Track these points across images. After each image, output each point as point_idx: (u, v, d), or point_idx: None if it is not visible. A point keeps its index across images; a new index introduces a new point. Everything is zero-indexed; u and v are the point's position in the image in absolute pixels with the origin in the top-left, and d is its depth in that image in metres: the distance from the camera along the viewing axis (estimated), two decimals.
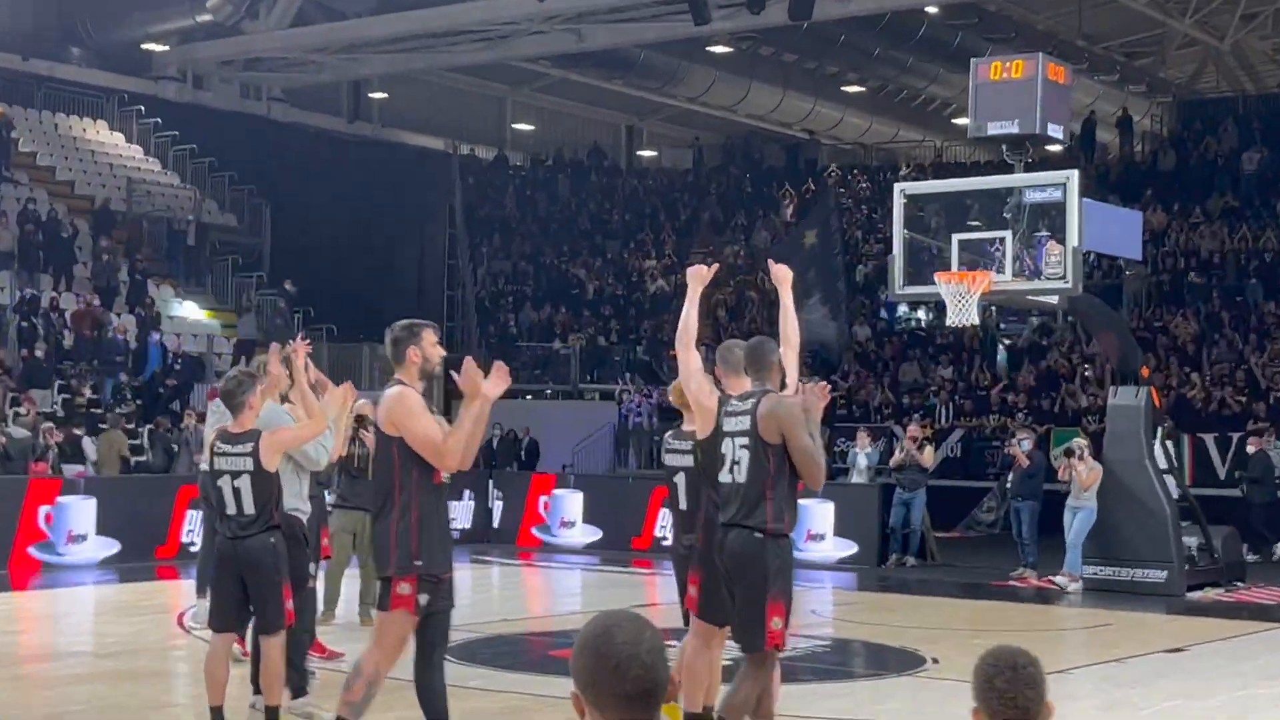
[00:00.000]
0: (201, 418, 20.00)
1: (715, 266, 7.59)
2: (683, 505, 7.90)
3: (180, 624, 13.08)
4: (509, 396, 30.79)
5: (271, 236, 34.17)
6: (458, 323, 36.89)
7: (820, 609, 15.47)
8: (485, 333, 35.12)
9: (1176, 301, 29.22)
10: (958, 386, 28.66)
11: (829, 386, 7.37)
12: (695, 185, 40.74)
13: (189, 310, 29.99)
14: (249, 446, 7.84)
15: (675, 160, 42.84)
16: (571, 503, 21.86)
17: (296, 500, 8.44)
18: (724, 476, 7.10)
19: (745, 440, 7.00)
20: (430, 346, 6.92)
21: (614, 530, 21.31)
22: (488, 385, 6.54)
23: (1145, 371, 17.31)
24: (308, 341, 8.99)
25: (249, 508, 7.83)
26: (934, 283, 15.01)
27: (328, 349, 31.81)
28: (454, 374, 6.91)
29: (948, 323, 15.11)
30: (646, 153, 45.09)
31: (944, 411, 27.77)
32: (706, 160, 41.86)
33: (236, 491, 7.83)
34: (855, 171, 39.53)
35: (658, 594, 16.42)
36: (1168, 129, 37.78)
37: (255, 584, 7.79)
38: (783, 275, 7.89)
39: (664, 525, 20.07)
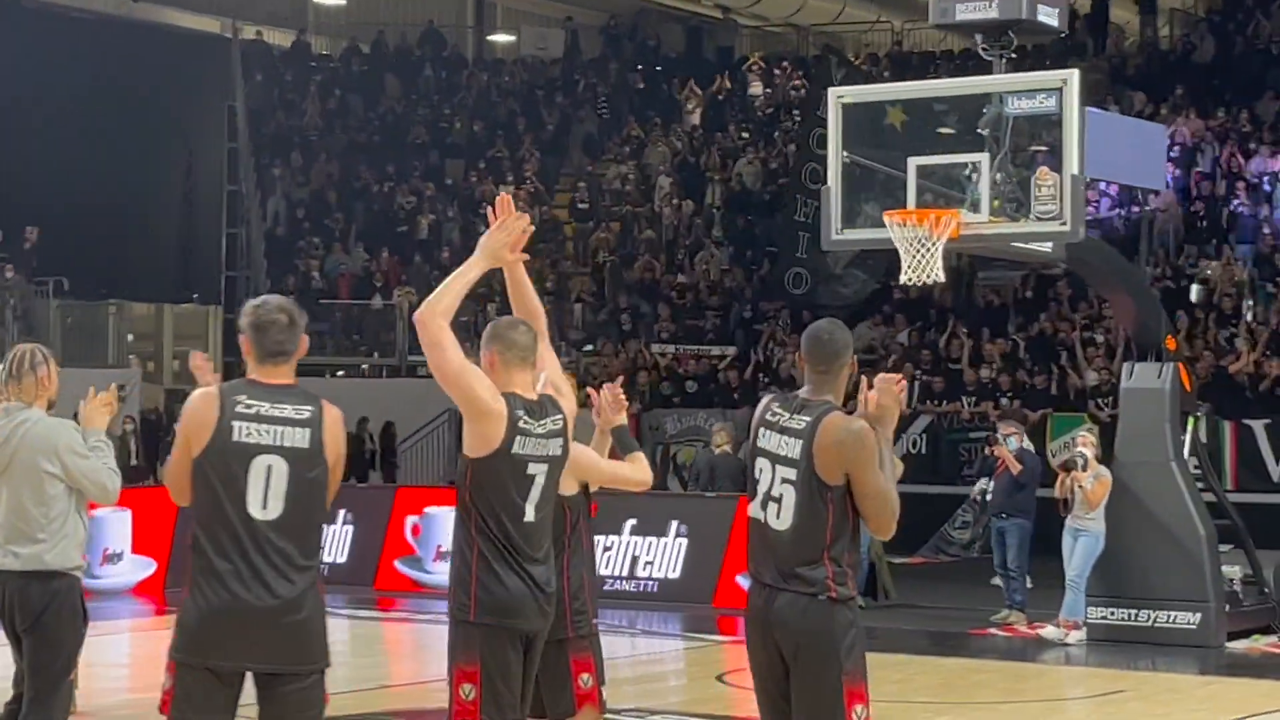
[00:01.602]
0: None
1: (526, 221, 7.23)
2: None
3: None
4: (310, 374, 30.41)
5: None
6: (240, 273, 36.40)
7: (729, 673, 15.27)
8: (279, 286, 34.61)
9: (1216, 241, 29.38)
10: (922, 357, 28.65)
11: (902, 378, 7.29)
12: (567, 82, 40.41)
13: None
14: None
15: (540, 47, 42.41)
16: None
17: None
18: (757, 511, 7.11)
19: (791, 473, 7.01)
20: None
21: None
22: None
23: (1171, 343, 17.29)
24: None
25: None
26: (883, 224, 14.81)
27: (56, 311, 31.23)
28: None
29: (902, 279, 14.94)
30: (501, 37, 44.66)
31: (904, 392, 27.71)
32: (583, 48, 41.51)
33: None
34: (784, 64, 39.37)
35: None
36: (1205, 6, 38.01)
37: None
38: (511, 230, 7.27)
39: None
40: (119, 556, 21.50)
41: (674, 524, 20.29)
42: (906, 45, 39.76)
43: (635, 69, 40.45)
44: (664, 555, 20.33)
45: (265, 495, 6.55)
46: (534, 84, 40.42)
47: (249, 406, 6.59)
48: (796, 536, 6.95)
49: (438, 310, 6.92)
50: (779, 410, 7.15)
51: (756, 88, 38.30)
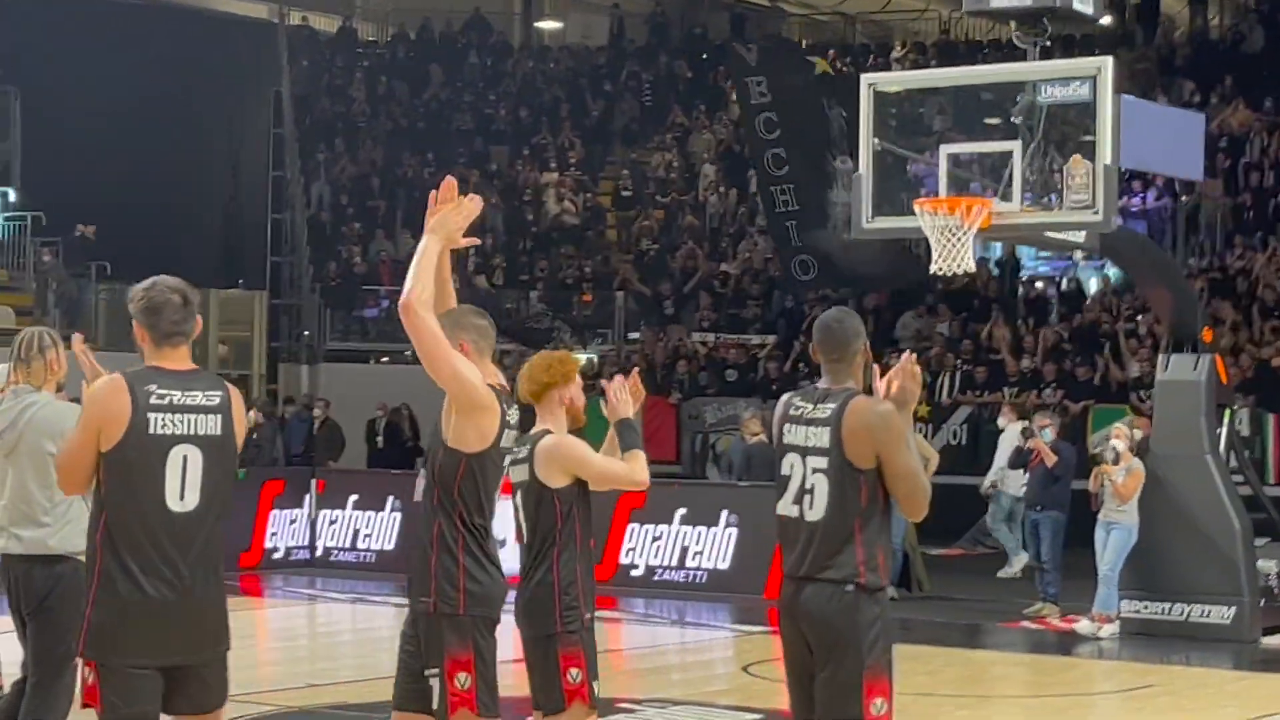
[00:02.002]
0: None
1: (474, 200, 7.09)
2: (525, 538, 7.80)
3: None
4: (353, 360, 30.53)
5: (22, 141, 33.48)
6: (285, 258, 36.45)
7: (756, 664, 15.19)
8: (321, 272, 34.66)
9: (1263, 232, 29.12)
10: (963, 348, 28.49)
11: (916, 356, 7.26)
12: (612, 70, 40.31)
13: None
14: None
15: (586, 35, 42.34)
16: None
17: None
18: (787, 509, 7.05)
19: (822, 462, 6.95)
20: None
21: None
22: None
23: (1208, 334, 17.15)
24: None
25: None
26: (913, 213, 14.71)
27: (99, 296, 31.31)
28: None
29: (933, 269, 14.81)
30: (548, 24, 44.61)
31: (945, 383, 27.60)
32: (629, 36, 41.41)
33: None
34: (832, 52, 39.19)
35: None
36: None
37: None
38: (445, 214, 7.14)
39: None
40: None
41: (724, 514, 20.10)
42: (955, 34, 39.48)
43: (681, 57, 40.30)
44: (714, 545, 20.16)
45: (182, 487, 6.42)
46: (579, 71, 40.34)
47: (162, 396, 6.43)
48: (829, 525, 6.90)
49: (423, 299, 6.75)
50: (801, 404, 7.08)
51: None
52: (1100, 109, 14.49)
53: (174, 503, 6.42)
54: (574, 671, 7.50)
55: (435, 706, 6.90)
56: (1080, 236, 15.57)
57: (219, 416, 6.54)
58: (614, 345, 32.66)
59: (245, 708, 11.64)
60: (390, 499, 22.28)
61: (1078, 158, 14.53)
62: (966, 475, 25.86)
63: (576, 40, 42.04)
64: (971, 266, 14.80)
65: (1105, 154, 14.43)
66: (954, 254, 14.65)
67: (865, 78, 15.64)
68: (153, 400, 6.40)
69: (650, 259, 34.31)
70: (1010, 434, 21.80)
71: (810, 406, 7.00)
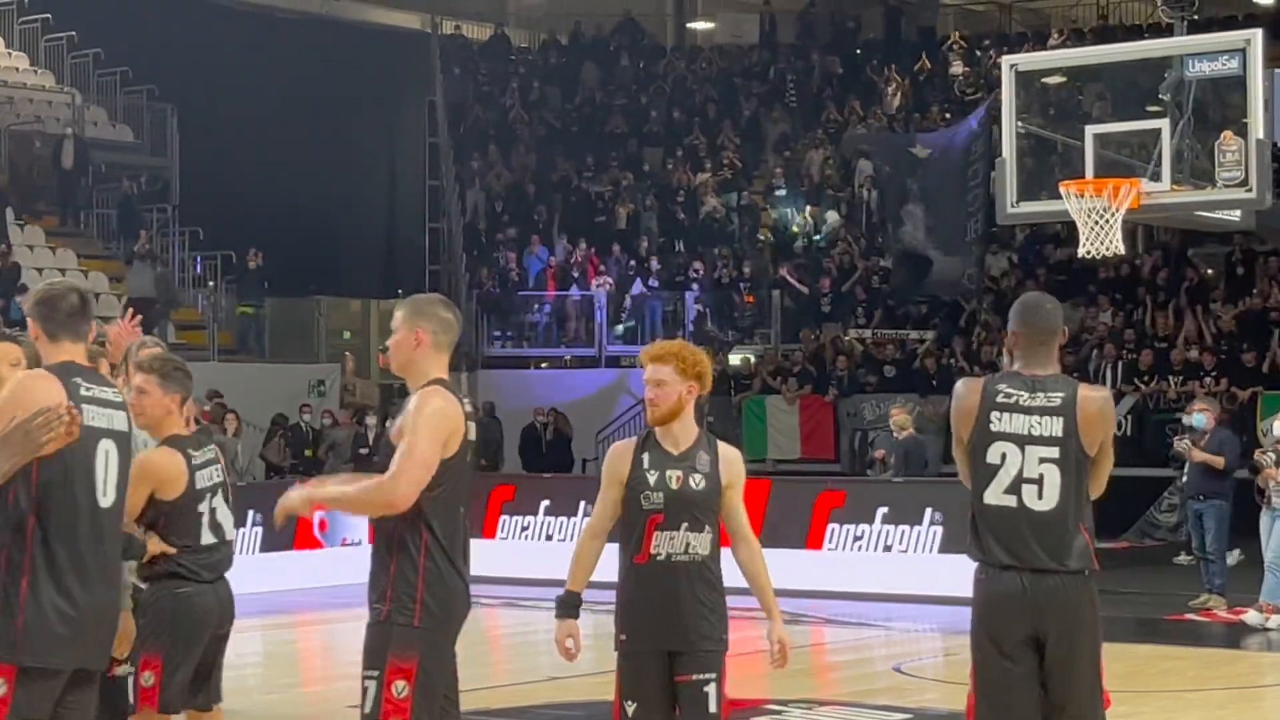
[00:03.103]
0: None
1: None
2: None
3: None
4: (511, 366, 30.68)
5: (181, 156, 33.87)
6: (442, 266, 36.59)
7: (907, 662, 14.91)
8: (476, 279, 34.71)
9: None
10: (1126, 336, 27.96)
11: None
12: (764, 68, 40.04)
13: (64, 259, 29.71)
14: None
15: (738, 34, 42.12)
16: None
17: None
18: (1004, 498, 6.95)
19: (1052, 451, 6.90)
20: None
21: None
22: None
23: None
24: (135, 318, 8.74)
25: None
26: (1060, 196, 14.38)
27: (266, 307, 31.59)
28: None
29: (1080, 252, 14.50)
30: (700, 25, 44.44)
31: (1108, 372, 27.07)
32: (780, 34, 41.11)
33: None
34: (987, 43, 38.67)
35: None
36: None
37: None
38: None
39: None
40: None
41: (929, 511, 19.64)
42: (1113, 19, 38.82)
43: (834, 53, 39.92)
44: (918, 543, 19.67)
45: (105, 483, 6.21)
46: (731, 71, 40.10)
47: (88, 389, 6.23)
48: (1063, 514, 6.86)
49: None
50: (1012, 390, 6.96)
51: (957, 67, 37.59)
52: (1250, 82, 14.10)
53: (101, 498, 6.21)
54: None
55: (367, 711, 6.60)
56: (1236, 215, 15.14)
57: (124, 413, 6.39)
58: (772, 345, 32.39)
59: None
60: (582, 504, 21.81)
61: (1229, 134, 14.18)
62: (1132, 467, 25.45)
63: (728, 40, 41.82)
64: (1121, 248, 14.48)
65: (1258, 129, 14.07)
66: (1102, 236, 14.31)
67: (1006, 59, 15.39)
68: (82, 392, 6.19)
69: (807, 257, 34.00)
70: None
71: (1025, 394, 6.92)
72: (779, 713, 12.18)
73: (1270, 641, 15.95)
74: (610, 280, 33.79)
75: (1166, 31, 33.88)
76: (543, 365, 34.45)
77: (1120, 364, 27.34)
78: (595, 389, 31.69)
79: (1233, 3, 37.03)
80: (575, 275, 34.25)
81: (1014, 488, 6.87)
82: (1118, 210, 14.22)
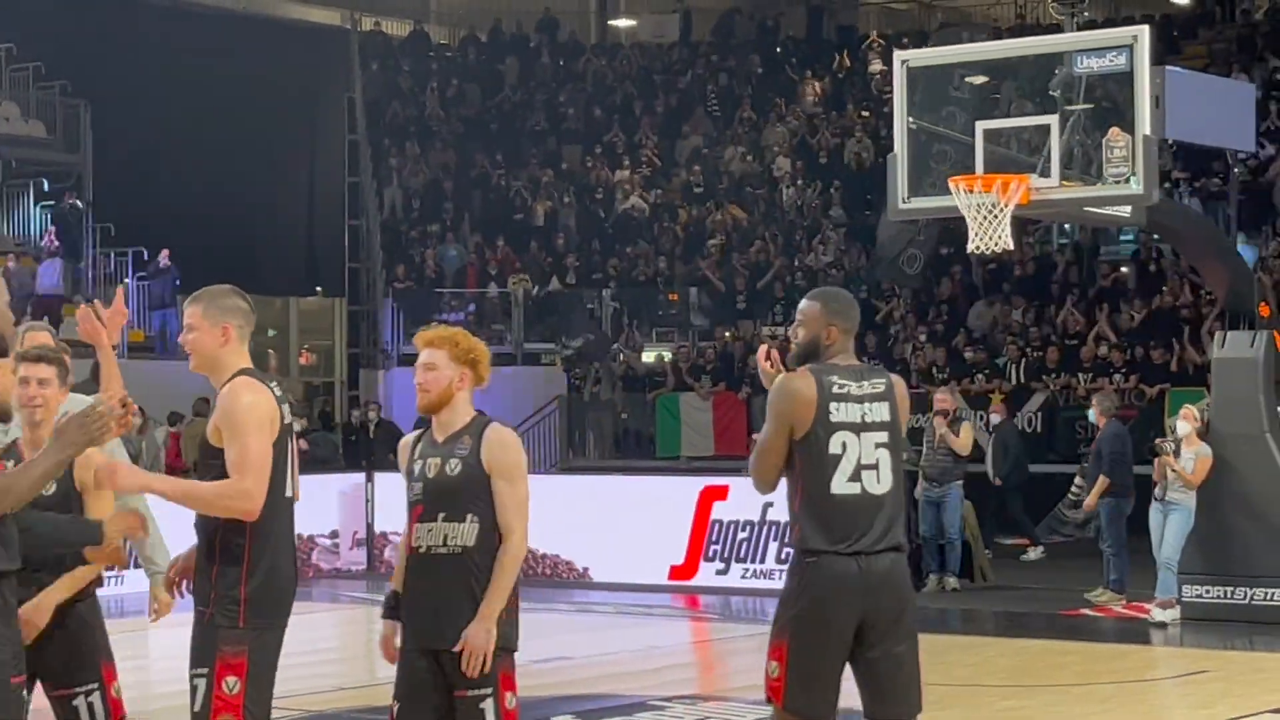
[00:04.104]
0: None
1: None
2: None
3: None
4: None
5: (94, 152, 33.57)
6: (361, 264, 36.40)
7: None
8: (392, 275, 34.61)
9: None
10: (1033, 334, 28.11)
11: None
12: (683, 65, 40.03)
13: None
14: None
15: (658, 32, 42.08)
16: None
17: None
18: (847, 487, 7.06)
19: (883, 436, 7.12)
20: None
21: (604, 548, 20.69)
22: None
23: (1265, 309, 16.70)
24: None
25: None
26: (949, 192, 14.39)
27: (180, 309, 31.31)
28: None
29: (969, 248, 14.53)
30: (622, 22, 44.38)
31: (1015, 370, 27.19)
32: (697, 31, 41.10)
33: None
34: (907, 41, 38.73)
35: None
36: None
37: None
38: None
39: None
40: None
41: None
42: (1030, 18, 38.99)
43: (753, 51, 39.91)
44: None
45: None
46: (651, 68, 40.06)
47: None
48: (896, 494, 7.11)
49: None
50: (844, 381, 7.10)
51: (876, 65, 37.64)
52: (1138, 79, 14.14)
53: None
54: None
55: (196, 709, 6.56)
56: (1126, 211, 15.19)
57: None
58: (687, 342, 32.36)
59: None
60: None
61: (1116, 130, 14.20)
62: (1042, 464, 25.55)
63: (649, 37, 41.80)
64: (1010, 244, 14.50)
65: (1144, 125, 14.09)
66: (992, 232, 14.33)
67: (898, 55, 15.41)
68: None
69: (725, 256, 33.97)
70: None
71: (854, 383, 7.08)
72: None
73: (1165, 636, 16.04)
74: (528, 278, 33.74)
75: (1086, 29, 34.50)
76: None
77: (1025, 360, 27.46)
78: (511, 389, 31.59)
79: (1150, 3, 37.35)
80: (493, 273, 34.18)
81: (856, 475, 7.01)
82: (1007, 205, 14.24)
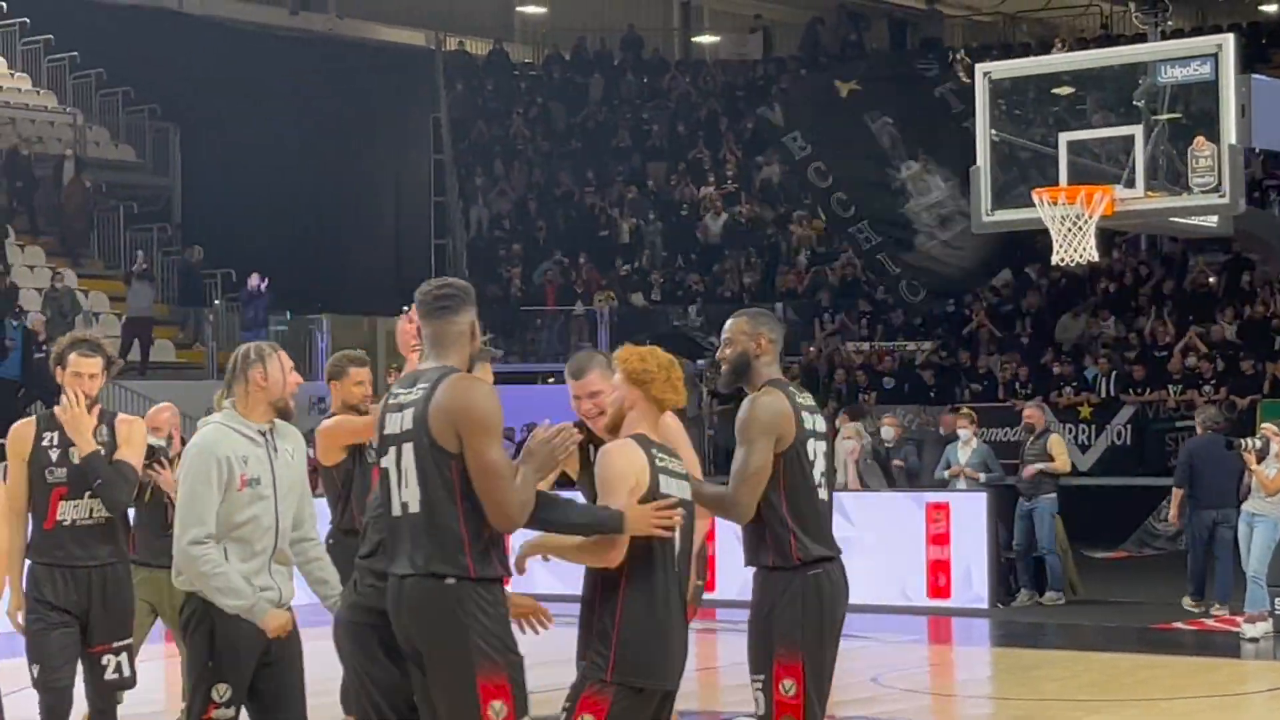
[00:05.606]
0: None
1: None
2: None
3: None
4: (517, 381, 30.42)
5: (183, 175, 33.92)
6: None
7: (883, 673, 14.81)
8: (481, 294, 34.57)
9: None
10: (1124, 345, 27.90)
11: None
12: (764, 84, 39.96)
13: (65, 280, 29.70)
14: None
15: (741, 49, 42.08)
16: None
17: None
18: (823, 493, 7.35)
19: (825, 443, 7.45)
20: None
21: None
22: None
23: None
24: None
25: None
26: (1033, 204, 14.27)
27: (273, 331, 31.57)
28: None
29: (1054, 259, 14.39)
30: (706, 38, 44.40)
31: (1105, 383, 26.99)
32: (778, 47, 41.05)
33: None
34: (994, 54, 38.50)
35: None
36: None
37: None
38: None
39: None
40: None
41: None
42: (1114, 29, 38.71)
43: (839, 66, 39.77)
44: None
45: None
46: (735, 85, 40.02)
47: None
48: (832, 497, 7.40)
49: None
50: (800, 391, 7.40)
51: (962, 78, 37.41)
52: (1223, 87, 13.95)
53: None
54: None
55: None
56: (1213, 221, 15.00)
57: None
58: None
59: None
60: None
61: (1201, 139, 13.99)
62: (1131, 476, 25.42)
63: (732, 55, 41.80)
64: (1095, 255, 14.32)
65: (1230, 133, 13.88)
66: (1076, 244, 14.19)
67: (980, 67, 15.21)
68: None
69: (809, 270, 33.90)
70: None
71: (805, 395, 7.47)
72: None
73: (1257, 650, 15.83)
74: (613, 294, 33.78)
75: (1173, 37, 34.23)
76: (549, 380, 34.37)
77: (1116, 373, 27.27)
78: None
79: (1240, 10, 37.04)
80: (579, 290, 34.23)
81: (822, 481, 7.31)
82: (1091, 217, 14.09)
